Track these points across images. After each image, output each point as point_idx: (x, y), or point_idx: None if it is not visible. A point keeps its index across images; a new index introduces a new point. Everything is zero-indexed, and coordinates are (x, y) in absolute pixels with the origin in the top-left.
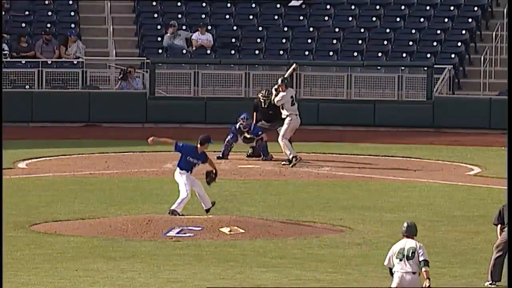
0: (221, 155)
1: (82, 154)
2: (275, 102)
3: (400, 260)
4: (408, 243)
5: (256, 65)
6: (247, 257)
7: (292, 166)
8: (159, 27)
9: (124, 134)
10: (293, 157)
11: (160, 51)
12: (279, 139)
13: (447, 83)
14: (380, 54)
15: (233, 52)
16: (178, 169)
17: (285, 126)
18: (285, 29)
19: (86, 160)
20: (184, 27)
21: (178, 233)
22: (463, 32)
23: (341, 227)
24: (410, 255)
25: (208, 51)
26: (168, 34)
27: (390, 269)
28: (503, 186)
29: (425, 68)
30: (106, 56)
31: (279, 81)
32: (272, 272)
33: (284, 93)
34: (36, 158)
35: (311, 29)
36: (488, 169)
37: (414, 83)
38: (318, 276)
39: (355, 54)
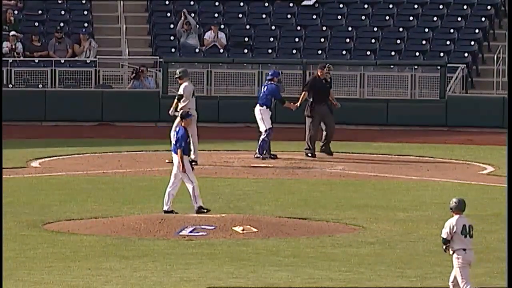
0: (261, 153)
1: (95, 153)
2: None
3: (465, 236)
4: (467, 220)
5: (269, 64)
6: (260, 256)
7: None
8: (172, 26)
9: (137, 133)
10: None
11: (173, 50)
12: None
13: (460, 82)
14: (393, 53)
15: (246, 51)
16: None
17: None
18: (298, 28)
19: (99, 159)
20: (197, 26)
21: (191, 232)
22: (476, 31)
23: (354, 226)
24: (472, 233)
25: (221, 50)
26: (182, 33)
27: (447, 241)
28: None
29: (438, 67)
30: (119, 55)
31: None
32: (285, 271)
33: None
34: (49, 157)
35: (324, 28)
36: (501, 168)
37: (427, 82)
38: (331, 275)
39: (368, 53)
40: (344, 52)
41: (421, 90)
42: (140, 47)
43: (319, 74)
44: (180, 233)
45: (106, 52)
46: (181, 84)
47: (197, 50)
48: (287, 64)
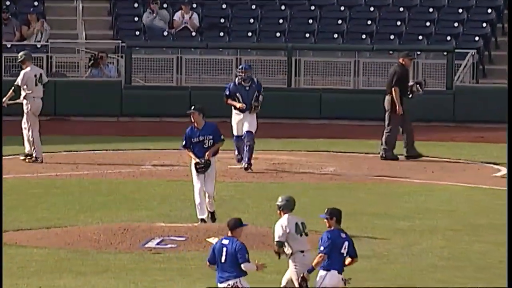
0: (239, 157)
1: (47, 152)
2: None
3: (300, 235)
4: (297, 218)
5: (249, 50)
6: None
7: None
8: (136, 5)
9: (95, 129)
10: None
11: (137, 33)
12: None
13: (470, 70)
14: (392, 37)
15: (221, 34)
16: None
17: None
18: (282, 7)
19: (51, 159)
20: (165, 6)
21: (158, 244)
22: (489, 11)
23: None
24: (306, 231)
25: (193, 33)
26: (147, 13)
27: (283, 244)
28: None
29: (445, 53)
30: (74, 39)
31: None
32: None
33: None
34: None
35: (312, 7)
36: None
37: (432, 71)
38: None
39: (364, 36)
40: (335, 36)
41: (425, 80)
42: (99, 29)
43: (404, 63)
44: (146, 245)
45: (59, 36)
46: (24, 69)
47: (165, 33)
48: (269, 49)
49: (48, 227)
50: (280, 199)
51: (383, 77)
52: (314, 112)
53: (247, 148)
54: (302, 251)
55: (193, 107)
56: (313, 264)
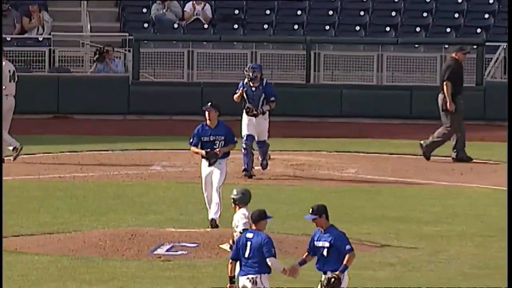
0: (245, 167)
1: (49, 152)
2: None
3: (241, 233)
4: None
5: (265, 43)
6: None
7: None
8: None
9: (101, 128)
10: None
11: (145, 25)
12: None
13: (501, 64)
14: (418, 29)
15: (236, 26)
16: None
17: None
18: None
19: (54, 160)
20: None
21: (168, 250)
22: None
23: (369, 243)
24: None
25: (206, 26)
26: (157, 4)
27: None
28: None
29: (475, 47)
30: (78, 32)
31: None
32: None
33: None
34: None
35: None
36: None
37: None
38: None
39: (388, 29)
40: (357, 28)
41: None
42: (105, 21)
43: (458, 57)
44: (155, 252)
45: (62, 28)
46: None
47: (175, 26)
48: (287, 42)
49: (51, 233)
50: (235, 191)
51: (408, 72)
52: (335, 110)
53: (260, 152)
54: None
55: (209, 103)
56: (348, 264)
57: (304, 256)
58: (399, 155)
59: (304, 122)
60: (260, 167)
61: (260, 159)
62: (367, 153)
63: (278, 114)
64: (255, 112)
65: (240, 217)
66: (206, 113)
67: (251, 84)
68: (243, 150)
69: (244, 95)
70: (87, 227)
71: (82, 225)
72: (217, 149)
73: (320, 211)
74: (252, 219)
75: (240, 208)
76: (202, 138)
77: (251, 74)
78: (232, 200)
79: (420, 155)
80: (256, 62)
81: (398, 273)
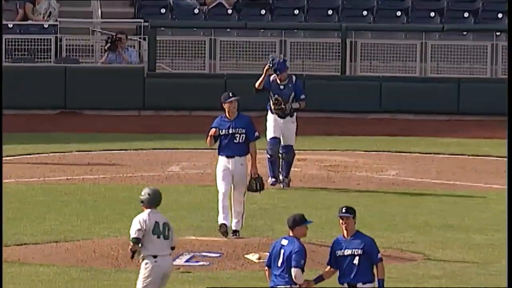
0: (272, 174)
1: (56, 152)
2: None
3: (158, 237)
4: (161, 217)
5: (295, 30)
6: None
7: None
8: None
9: (113, 125)
10: None
11: (162, 11)
12: None
13: None
14: (466, 15)
15: (263, 12)
16: None
17: None
18: None
19: (61, 160)
20: None
21: (187, 260)
22: None
23: (412, 254)
24: (168, 234)
25: (229, 11)
26: None
27: (139, 241)
28: None
29: None
30: (88, 18)
31: None
32: None
33: None
34: None
35: None
36: None
37: None
38: None
39: (432, 14)
40: (398, 14)
41: (505, 66)
42: (117, 6)
43: None
44: (174, 263)
45: (70, 14)
46: None
47: (196, 11)
48: (320, 30)
49: (57, 241)
50: (143, 192)
51: (454, 62)
52: (373, 105)
53: (285, 162)
54: (155, 256)
55: (231, 94)
56: (384, 277)
57: (325, 271)
58: (445, 155)
59: (339, 119)
60: (281, 182)
61: (282, 175)
62: (410, 152)
63: (310, 110)
64: (283, 106)
65: (134, 224)
66: (228, 105)
67: (278, 82)
68: (268, 156)
69: (272, 96)
70: (97, 235)
71: (92, 233)
72: (253, 172)
73: (354, 211)
74: (288, 224)
75: (147, 209)
76: (220, 130)
77: (275, 66)
78: (139, 201)
79: (469, 155)
80: (285, 52)
81: (444, 286)
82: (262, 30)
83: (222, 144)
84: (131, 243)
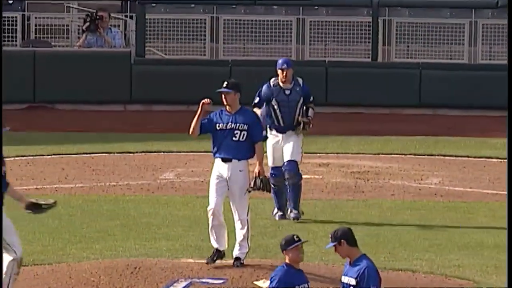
0: (277, 206)
1: (23, 156)
2: None
3: None
4: None
5: (315, 7)
6: None
7: None
8: None
9: (93, 122)
10: None
11: None
12: None
13: None
14: None
15: None
16: None
17: None
18: None
19: (29, 166)
20: None
21: None
22: None
23: (460, 280)
24: None
25: None
26: None
27: None
28: None
29: None
30: None
31: None
32: None
33: None
34: None
35: None
36: None
37: None
38: None
39: None
40: None
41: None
42: None
43: None
44: None
45: None
46: None
47: None
48: (346, 6)
49: (25, 265)
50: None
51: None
52: (411, 98)
53: (291, 188)
54: None
55: (225, 83)
56: None
57: None
58: (499, 160)
59: (370, 114)
60: (289, 215)
61: (290, 205)
62: (456, 156)
63: (334, 104)
64: (306, 125)
65: None
66: (223, 97)
67: (282, 86)
68: (271, 185)
69: (274, 104)
70: (74, 258)
71: (67, 254)
72: (259, 171)
73: (338, 237)
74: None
75: None
76: (217, 124)
77: (280, 74)
78: None
79: None
80: (302, 34)
81: None
82: (274, 7)
83: (217, 143)
84: None
